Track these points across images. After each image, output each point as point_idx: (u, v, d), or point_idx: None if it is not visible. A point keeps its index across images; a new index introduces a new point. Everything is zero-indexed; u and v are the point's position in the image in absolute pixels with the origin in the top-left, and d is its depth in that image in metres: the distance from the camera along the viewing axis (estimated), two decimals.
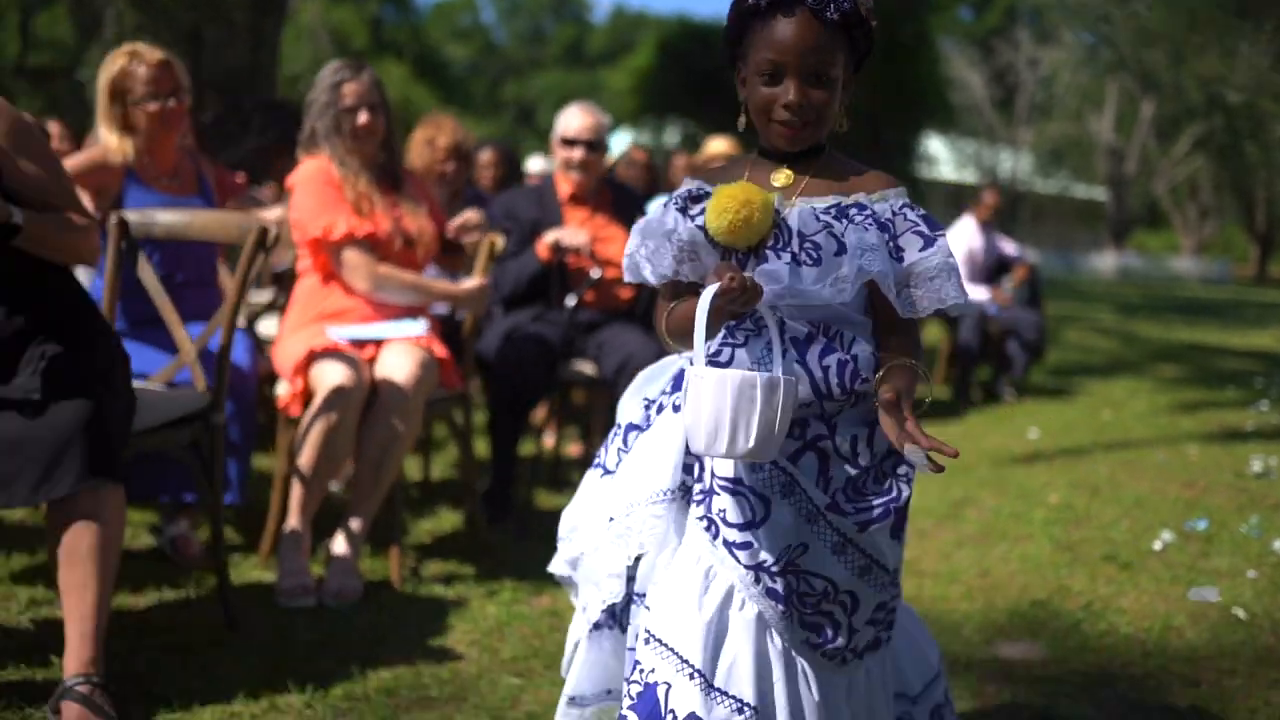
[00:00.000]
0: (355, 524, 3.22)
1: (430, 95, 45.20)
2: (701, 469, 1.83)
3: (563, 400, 4.30)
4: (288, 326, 3.45)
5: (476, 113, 54.70)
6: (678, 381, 1.90)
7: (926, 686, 2.08)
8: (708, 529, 1.80)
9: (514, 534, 3.88)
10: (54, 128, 5.77)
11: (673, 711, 1.72)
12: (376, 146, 3.56)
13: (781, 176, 1.83)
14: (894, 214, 1.80)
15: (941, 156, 36.15)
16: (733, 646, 1.76)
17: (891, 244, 1.77)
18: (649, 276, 1.86)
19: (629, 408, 1.99)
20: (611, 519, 1.85)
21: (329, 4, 35.53)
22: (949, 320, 7.90)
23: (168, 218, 2.98)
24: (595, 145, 4.24)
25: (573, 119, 4.26)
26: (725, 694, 1.73)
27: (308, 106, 3.58)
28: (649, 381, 2.00)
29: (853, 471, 1.80)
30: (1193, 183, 40.87)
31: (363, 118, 3.50)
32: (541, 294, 4.20)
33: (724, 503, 1.79)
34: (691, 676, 1.73)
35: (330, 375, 3.16)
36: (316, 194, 3.41)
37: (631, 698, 1.77)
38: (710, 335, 1.76)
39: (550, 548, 2.07)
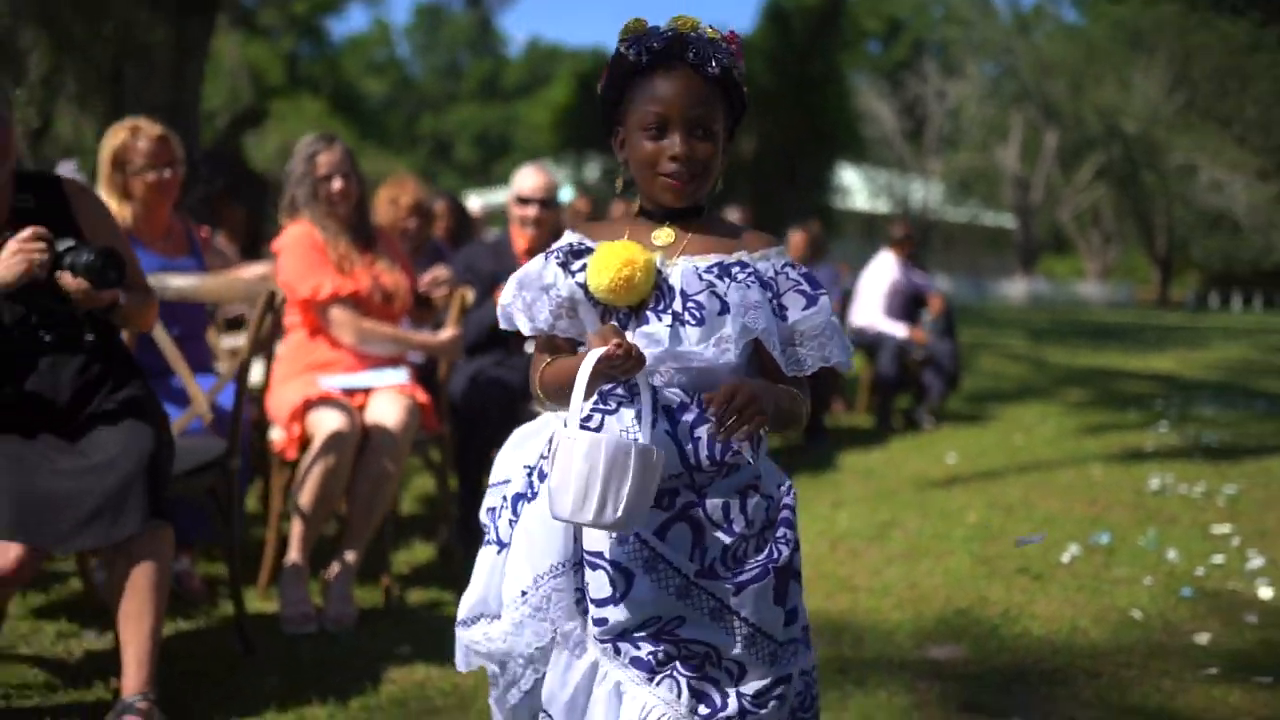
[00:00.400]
0: (350, 556, 3.54)
1: (347, 130, 45.24)
2: (575, 540, 1.81)
3: None
4: (279, 377, 3.76)
5: (393, 147, 54.75)
6: None
7: None
8: (578, 602, 1.80)
9: None
10: None
11: None
12: (350, 210, 3.90)
13: (663, 235, 1.83)
14: (776, 272, 1.82)
15: (855, 187, 37.14)
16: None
17: (775, 302, 1.79)
18: (522, 328, 1.85)
19: (508, 468, 1.94)
20: (524, 593, 1.81)
21: (244, 40, 35.48)
22: (870, 352, 8.35)
23: (179, 282, 3.29)
24: (548, 203, 4.61)
25: (527, 179, 4.63)
26: None
27: (286, 176, 3.91)
28: (526, 440, 1.95)
29: (727, 540, 1.78)
30: (1095, 210, 42.45)
31: (336, 184, 3.84)
32: (502, 341, 4.55)
33: (588, 576, 1.78)
34: None
35: (327, 422, 3.48)
36: (302, 257, 3.74)
37: None
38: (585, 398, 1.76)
39: None
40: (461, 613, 1.93)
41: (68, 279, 2.59)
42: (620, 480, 1.61)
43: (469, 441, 4.37)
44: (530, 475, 1.87)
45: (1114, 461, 6.64)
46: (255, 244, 9.07)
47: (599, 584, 1.76)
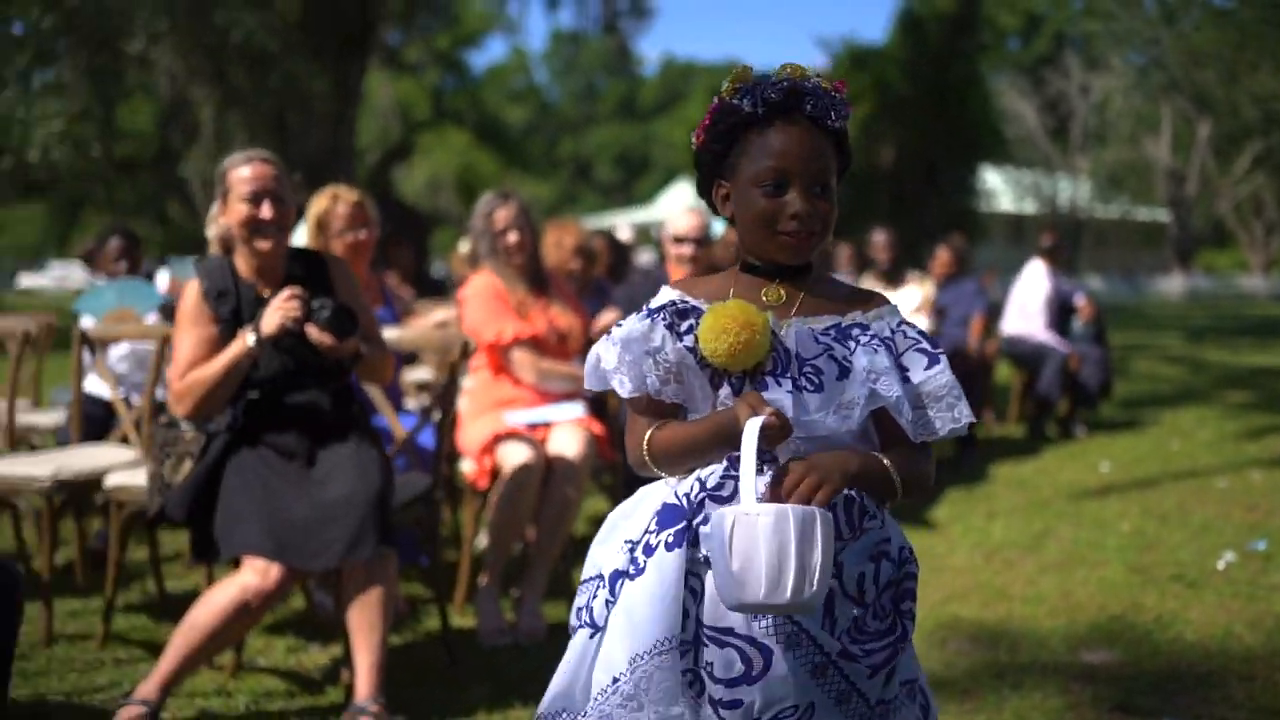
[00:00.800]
0: (538, 575, 3.90)
1: (492, 160, 46.52)
2: (685, 616, 1.66)
3: None
4: (468, 414, 4.15)
5: (535, 173, 56.12)
6: (665, 517, 1.71)
7: None
8: (691, 685, 1.66)
9: None
10: (114, 242, 5.90)
11: None
12: (526, 259, 4.27)
13: (773, 294, 1.76)
14: (893, 331, 1.75)
15: (999, 189, 36.58)
16: None
17: (896, 362, 1.72)
18: (618, 389, 1.75)
19: (605, 554, 1.80)
20: (616, 679, 1.68)
21: (392, 78, 36.90)
22: (1021, 362, 8.41)
23: (386, 334, 3.70)
24: (702, 241, 4.93)
25: (681, 220, 4.96)
26: None
27: (469, 230, 4.33)
28: (624, 520, 1.81)
29: (856, 611, 1.68)
30: (1257, 199, 40.81)
31: (513, 237, 4.23)
32: None
33: (711, 655, 1.65)
34: None
35: (514, 455, 3.85)
36: (486, 305, 4.13)
37: None
38: (702, 463, 1.71)
39: None
40: (543, 706, 1.80)
41: (314, 331, 3.04)
42: (810, 551, 1.51)
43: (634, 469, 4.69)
44: (632, 551, 1.72)
45: (1275, 466, 6.60)
46: (423, 281, 9.62)
47: (727, 663, 1.64)
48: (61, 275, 39.75)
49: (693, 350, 1.71)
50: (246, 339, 3.03)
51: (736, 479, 1.66)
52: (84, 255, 6.43)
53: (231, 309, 3.15)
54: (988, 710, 3.14)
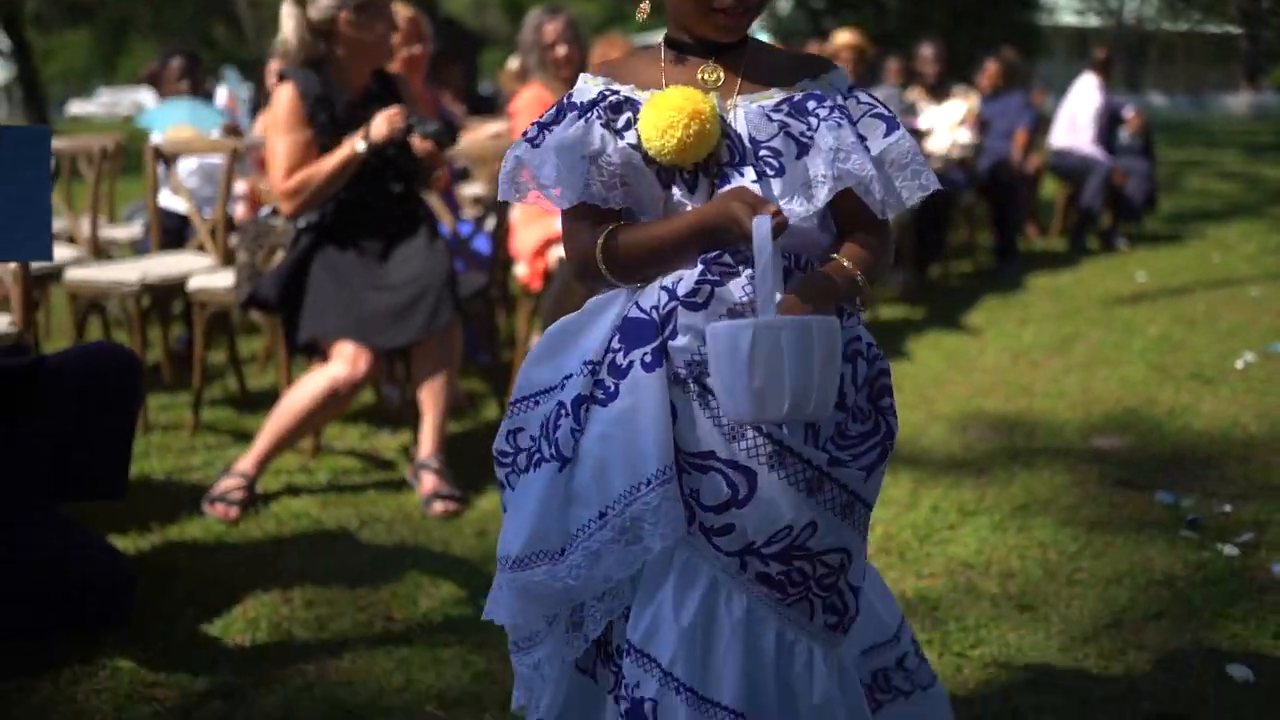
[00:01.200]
0: None
1: None
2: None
3: None
4: (520, 221, 4.39)
5: None
6: (631, 333, 1.55)
7: (875, 646, 1.81)
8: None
9: None
10: (176, 63, 6.04)
11: None
12: (574, 72, 4.44)
13: (711, 73, 1.58)
14: (844, 98, 1.58)
15: (1061, 2, 35.32)
16: (722, 650, 1.52)
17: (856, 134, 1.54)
18: (559, 204, 1.58)
19: (551, 375, 1.63)
20: (604, 513, 1.53)
21: None
22: (1066, 175, 8.45)
23: None
24: None
25: None
26: (716, 705, 1.51)
27: (519, 45, 4.49)
28: (572, 336, 1.63)
29: (839, 417, 1.57)
30: None
31: (561, 50, 4.40)
32: None
33: (695, 482, 1.53)
34: (678, 691, 1.51)
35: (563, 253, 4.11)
36: (535, 116, 4.31)
37: (621, 716, 1.57)
38: (671, 268, 1.55)
39: None
40: (513, 550, 1.60)
41: (417, 141, 3.32)
42: (831, 362, 1.43)
43: None
44: (595, 373, 1.56)
45: None
46: (473, 99, 9.77)
47: (713, 488, 1.53)
48: (110, 102, 39.96)
49: (637, 148, 1.55)
50: (356, 145, 3.28)
51: (714, 284, 1.52)
52: (148, 78, 6.63)
53: (328, 115, 3.37)
54: (998, 484, 3.43)
